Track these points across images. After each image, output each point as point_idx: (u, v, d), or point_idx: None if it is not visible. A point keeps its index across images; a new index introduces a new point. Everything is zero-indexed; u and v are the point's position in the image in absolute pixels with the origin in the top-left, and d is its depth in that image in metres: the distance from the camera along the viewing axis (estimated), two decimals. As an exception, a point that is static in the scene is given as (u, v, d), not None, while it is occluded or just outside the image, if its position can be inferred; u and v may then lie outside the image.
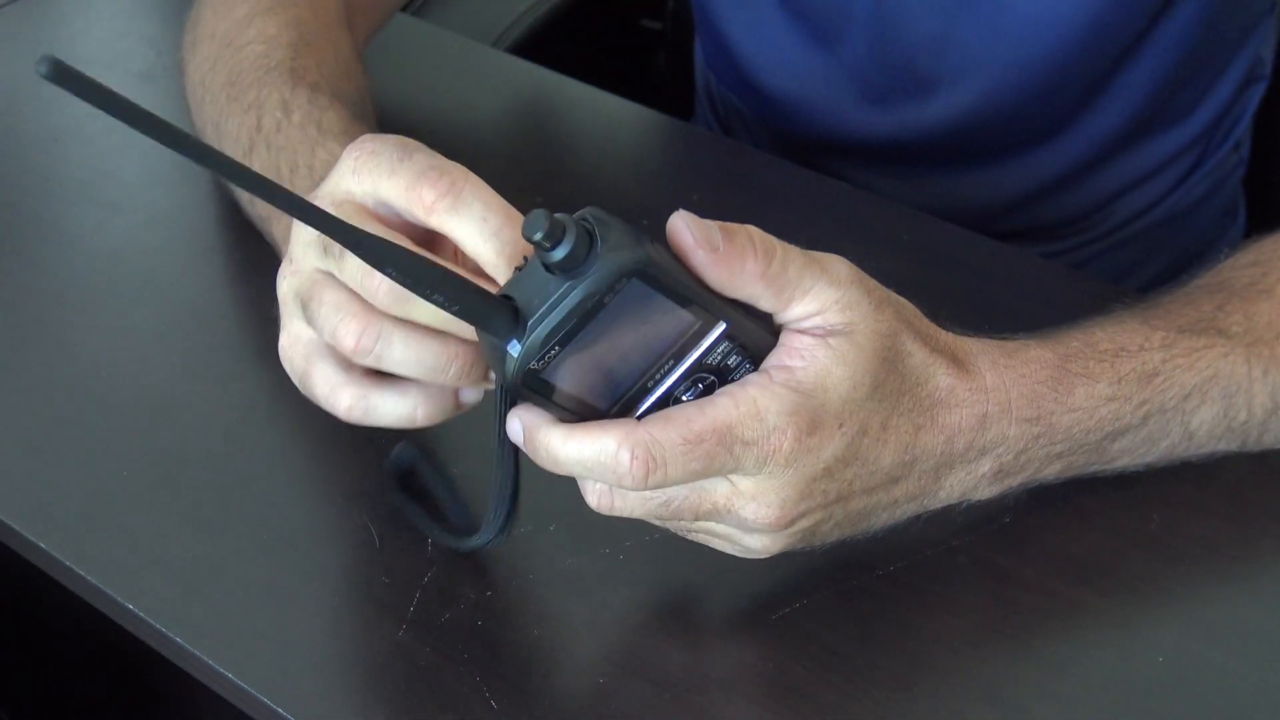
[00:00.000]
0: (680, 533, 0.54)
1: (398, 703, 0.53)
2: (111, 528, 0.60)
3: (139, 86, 0.85)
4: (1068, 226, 0.93)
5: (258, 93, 0.67)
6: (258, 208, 0.68)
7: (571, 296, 0.46)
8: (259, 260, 0.75)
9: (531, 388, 0.48)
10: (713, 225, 0.48)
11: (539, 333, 0.46)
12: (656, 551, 0.58)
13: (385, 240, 0.45)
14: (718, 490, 0.50)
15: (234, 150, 0.67)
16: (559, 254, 0.45)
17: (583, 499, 0.50)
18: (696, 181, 0.80)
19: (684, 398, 0.50)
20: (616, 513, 0.51)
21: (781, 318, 0.50)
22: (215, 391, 0.66)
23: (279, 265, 0.54)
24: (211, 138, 0.70)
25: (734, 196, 0.78)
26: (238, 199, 0.72)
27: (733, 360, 0.50)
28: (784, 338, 0.50)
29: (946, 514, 0.56)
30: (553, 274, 0.46)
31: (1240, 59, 0.90)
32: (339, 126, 0.64)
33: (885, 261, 0.74)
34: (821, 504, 0.51)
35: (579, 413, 0.49)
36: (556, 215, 0.46)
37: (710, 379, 0.50)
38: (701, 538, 0.54)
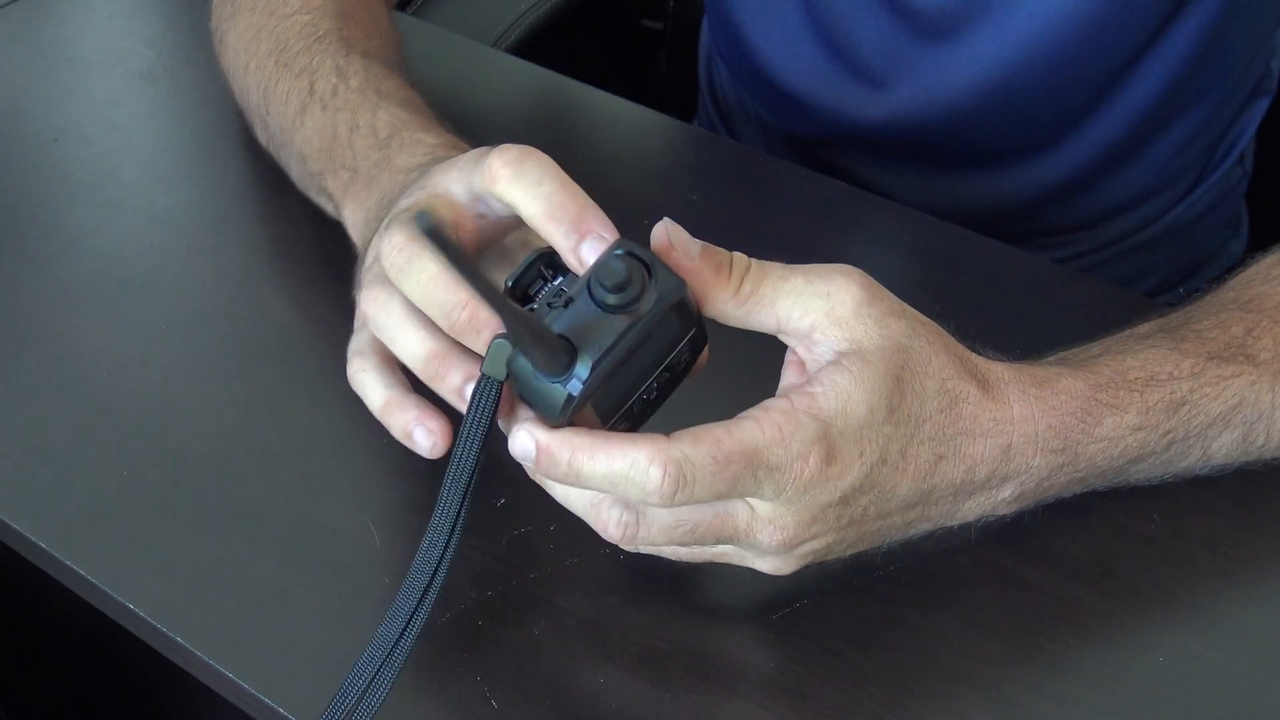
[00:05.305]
0: (690, 559, 0.54)
1: (398, 703, 0.53)
2: (111, 528, 0.60)
3: (139, 86, 0.85)
4: (1070, 233, 0.93)
5: (309, 59, 0.70)
6: (332, 185, 0.68)
7: (633, 333, 0.47)
8: (259, 260, 0.75)
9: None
10: (692, 242, 0.49)
11: (602, 369, 0.47)
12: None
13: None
14: (739, 515, 0.50)
15: (283, 111, 0.70)
16: (623, 296, 0.46)
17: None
18: (696, 181, 0.80)
19: (648, 397, 0.50)
20: (639, 544, 0.51)
21: (784, 338, 0.51)
22: (215, 391, 0.66)
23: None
24: (258, 102, 0.73)
25: (734, 196, 0.78)
26: (304, 188, 0.72)
27: (686, 357, 0.51)
28: (801, 354, 0.51)
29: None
30: (609, 312, 0.47)
31: (1248, 72, 0.90)
32: (400, 94, 0.68)
33: (886, 262, 0.75)
34: (835, 528, 0.51)
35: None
36: (616, 260, 0.46)
37: (668, 375, 0.51)
38: (711, 558, 0.54)
